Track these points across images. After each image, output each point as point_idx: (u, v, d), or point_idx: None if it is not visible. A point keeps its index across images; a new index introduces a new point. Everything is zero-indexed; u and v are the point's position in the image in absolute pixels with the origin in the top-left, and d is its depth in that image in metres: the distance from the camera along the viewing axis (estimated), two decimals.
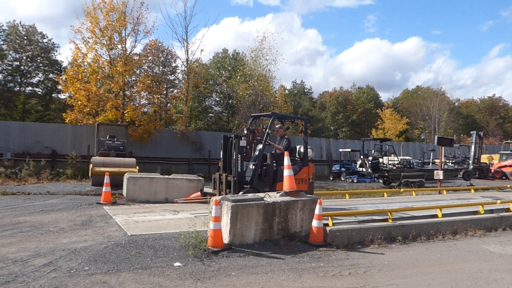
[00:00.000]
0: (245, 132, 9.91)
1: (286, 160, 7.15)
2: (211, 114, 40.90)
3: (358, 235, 6.91)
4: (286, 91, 44.97)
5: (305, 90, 59.98)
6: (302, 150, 9.54)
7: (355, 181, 22.40)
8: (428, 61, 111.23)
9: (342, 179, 23.66)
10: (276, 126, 9.94)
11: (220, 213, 6.07)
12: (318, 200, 6.75)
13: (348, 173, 23.61)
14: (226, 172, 9.01)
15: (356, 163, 24.41)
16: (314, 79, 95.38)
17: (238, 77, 29.53)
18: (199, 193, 10.81)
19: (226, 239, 6.10)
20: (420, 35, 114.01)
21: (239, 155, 8.64)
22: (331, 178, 24.44)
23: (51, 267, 5.02)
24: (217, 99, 42.43)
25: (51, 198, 11.45)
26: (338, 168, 24.76)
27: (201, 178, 11.21)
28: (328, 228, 6.76)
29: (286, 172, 7.10)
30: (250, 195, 6.77)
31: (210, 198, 6.88)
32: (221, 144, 9.19)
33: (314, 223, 6.61)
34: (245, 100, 26.69)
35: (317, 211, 6.62)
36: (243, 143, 8.74)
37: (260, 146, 9.05)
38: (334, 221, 7.31)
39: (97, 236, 6.61)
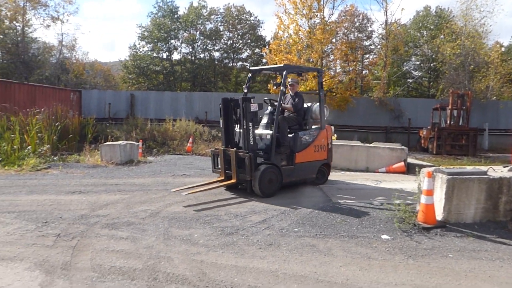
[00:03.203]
0: (245, 91, 7.94)
1: None
2: (409, 80, 37.94)
3: None
4: (502, 49, 37.81)
5: None
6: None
7: None
8: None
9: None
10: (290, 80, 7.97)
11: (433, 187, 5.49)
12: None
13: None
14: (229, 146, 7.31)
15: None
16: None
17: (442, 36, 26.28)
18: (402, 163, 10.15)
19: (439, 215, 5.51)
20: None
21: (250, 123, 6.88)
22: None
23: (265, 225, 5.47)
24: (417, 62, 38.93)
25: None
26: None
27: (404, 148, 10.48)
28: None
29: None
30: (469, 168, 5.91)
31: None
32: (220, 110, 7.35)
33: None
34: (451, 61, 23.67)
35: None
36: (254, 107, 6.95)
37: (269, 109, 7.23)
38: None
39: (303, 200, 6.91)
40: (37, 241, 4.63)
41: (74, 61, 29.55)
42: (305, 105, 8.02)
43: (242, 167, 6.92)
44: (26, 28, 27.14)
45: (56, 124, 12.80)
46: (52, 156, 11.12)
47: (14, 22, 26.30)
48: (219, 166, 7.56)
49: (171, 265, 4.01)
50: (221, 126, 7.42)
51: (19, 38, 26.51)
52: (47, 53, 28.97)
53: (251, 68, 8.49)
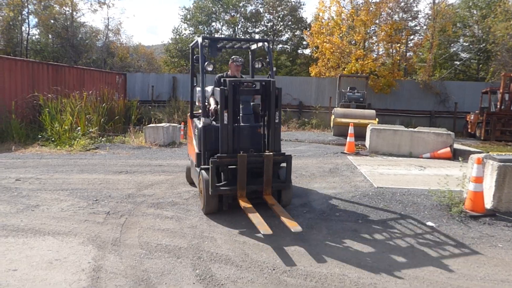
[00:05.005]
0: (209, 69, 5.38)
1: None
2: (457, 62, 36.11)
3: None
4: None
5: None
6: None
7: None
8: None
9: None
10: (239, 58, 6.20)
11: (483, 174, 5.27)
12: None
13: None
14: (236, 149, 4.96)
15: None
16: None
17: (493, 16, 24.72)
18: (448, 149, 9.78)
19: (488, 203, 5.30)
20: None
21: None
22: None
23: (306, 208, 5.49)
24: (466, 44, 36.91)
25: (299, 145, 12.60)
26: None
27: (451, 133, 10.06)
28: None
29: None
30: None
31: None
32: (225, 98, 4.85)
33: None
34: (503, 42, 22.27)
35: None
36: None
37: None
38: None
39: (344, 185, 6.85)
40: (89, 218, 4.89)
41: (119, 44, 30.38)
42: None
43: (274, 176, 5.09)
44: (74, 13, 28.13)
45: (103, 105, 13.30)
46: (100, 137, 11.61)
47: (64, 7, 27.31)
48: (224, 182, 5.00)
49: (214, 245, 4.13)
50: (225, 122, 4.83)
51: (68, 23, 27.51)
52: (94, 37, 29.95)
53: (203, 36, 5.91)
